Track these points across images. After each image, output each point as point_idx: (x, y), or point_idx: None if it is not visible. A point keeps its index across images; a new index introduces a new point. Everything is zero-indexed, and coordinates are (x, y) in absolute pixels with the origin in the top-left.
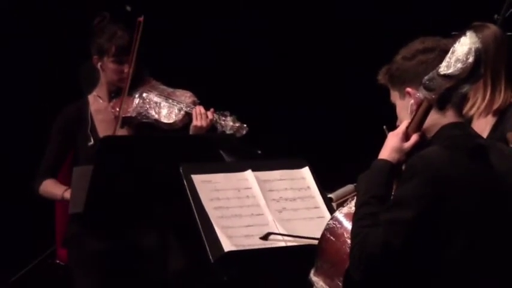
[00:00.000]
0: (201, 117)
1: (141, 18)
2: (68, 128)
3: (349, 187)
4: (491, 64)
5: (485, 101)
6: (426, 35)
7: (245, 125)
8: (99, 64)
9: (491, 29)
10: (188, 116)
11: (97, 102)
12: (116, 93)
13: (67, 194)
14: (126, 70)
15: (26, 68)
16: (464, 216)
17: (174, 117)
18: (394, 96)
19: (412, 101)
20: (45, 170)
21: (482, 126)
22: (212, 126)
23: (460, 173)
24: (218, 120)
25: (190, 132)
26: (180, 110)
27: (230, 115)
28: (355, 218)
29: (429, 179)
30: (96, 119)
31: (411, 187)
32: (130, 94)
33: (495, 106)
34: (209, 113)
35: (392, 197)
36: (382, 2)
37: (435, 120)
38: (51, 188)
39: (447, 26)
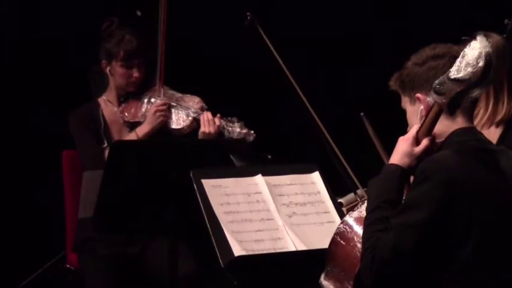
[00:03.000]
0: (208, 123)
1: None
2: (85, 124)
3: (350, 196)
4: (494, 75)
5: (488, 112)
6: (436, 41)
7: (252, 131)
8: (107, 68)
9: (494, 38)
10: (196, 122)
11: (107, 107)
12: (125, 98)
13: (140, 132)
14: (135, 75)
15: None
16: (475, 218)
17: (182, 122)
18: (405, 102)
19: (422, 107)
20: (93, 154)
21: (489, 137)
22: (220, 132)
23: (471, 176)
24: (225, 127)
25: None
26: (187, 115)
27: (237, 121)
28: (366, 222)
29: (441, 182)
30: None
31: (423, 190)
32: (139, 99)
33: (498, 117)
34: (216, 120)
35: (403, 201)
36: (388, 8)
37: (445, 126)
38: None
39: (457, 32)
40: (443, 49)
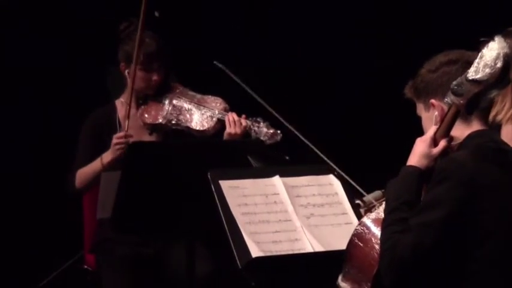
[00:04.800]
0: (234, 124)
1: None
2: (97, 132)
3: (377, 193)
4: None
5: None
6: (456, 40)
7: (279, 131)
8: (126, 71)
9: None
10: (221, 123)
11: (124, 109)
12: (143, 100)
13: (105, 159)
14: (154, 78)
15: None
16: (494, 217)
17: (206, 124)
18: (420, 109)
19: (437, 113)
20: (78, 169)
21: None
22: (246, 133)
23: (489, 176)
24: (252, 127)
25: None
26: (212, 117)
27: (263, 121)
28: (384, 224)
29: (460, 181)
30: (124, 126)
31: (442, 189)
32: (159, 101)
33: None
34: (242, 120)
35: (422, 202)
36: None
37: (461, 129)
38: (86, 169)
39: (478, 31)
40: (456, 55)
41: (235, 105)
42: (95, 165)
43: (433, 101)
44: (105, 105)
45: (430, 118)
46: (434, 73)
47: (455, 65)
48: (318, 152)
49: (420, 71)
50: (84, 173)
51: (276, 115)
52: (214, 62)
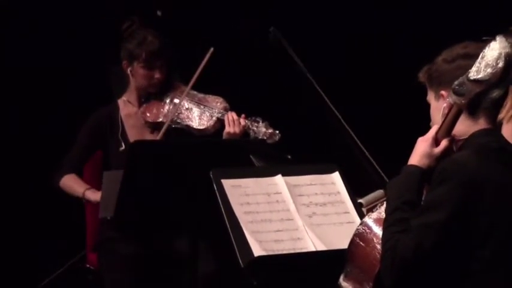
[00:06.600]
0: (233, 123)
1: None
2: (98, 130)
3: (379, 192)
4: None
5: None
6: (456, 40)
7: (277, 131)
8: (129, 69)
9: None
10: (220, 122)
11: (127, 107)
12: (146, 98)
13: (88, 194)
14: (156, 76)
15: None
16: (495, 218)
17: (205, 123)
18: (430, 96)
19: (445, 104)
20: (68, 165)
21: None
22: (245, 133)
23: (490, 177)
24: (251, 127)
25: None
26: (211, 116)
27: (262, 121)
28: (385, 224)
29: (461, 182)
30: (126, 124)
31: (443, 191)
32: (161, 99)
33: None
34: (241, 120)
35: (423, 202)
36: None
37: (467, 126)
38: (73, 183)
39: (478, 31)
40: (473, 49)
41: (236, 104)
42: (77, 190)
43: (443, 92)
44: (108, 105)
45: (438, 108)
46: (449, 64)
47: (472, 59)
48: (360, 144)
49: (437, 59)
50: (68, 185)
51: (323, 95)
52: (271, 29)
